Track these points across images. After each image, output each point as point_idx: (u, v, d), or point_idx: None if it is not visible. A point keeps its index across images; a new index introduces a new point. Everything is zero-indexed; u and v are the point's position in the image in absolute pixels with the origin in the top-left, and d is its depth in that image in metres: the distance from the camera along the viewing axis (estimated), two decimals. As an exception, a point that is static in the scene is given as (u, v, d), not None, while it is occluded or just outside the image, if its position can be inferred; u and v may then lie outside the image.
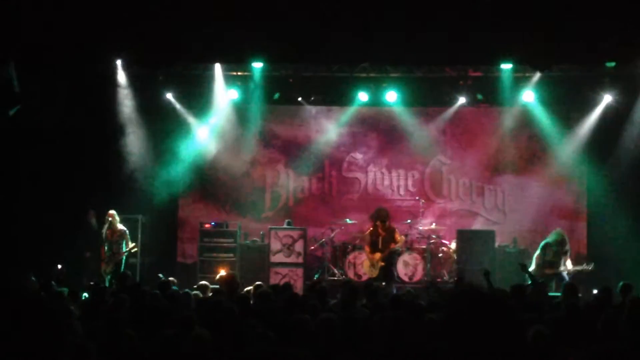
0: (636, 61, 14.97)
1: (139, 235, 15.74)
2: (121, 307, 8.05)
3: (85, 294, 11.08)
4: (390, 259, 14.26)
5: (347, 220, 16.25)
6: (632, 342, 6.35)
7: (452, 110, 17.16)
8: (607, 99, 16.15)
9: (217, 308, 7.37)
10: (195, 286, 11.56)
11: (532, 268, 13.21)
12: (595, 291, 13.41)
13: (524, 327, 6.12)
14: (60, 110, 14.72)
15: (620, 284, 10.41)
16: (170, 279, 12.07)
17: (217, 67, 16.33)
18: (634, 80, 15.59)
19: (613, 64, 15.12)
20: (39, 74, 14.16)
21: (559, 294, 11.05)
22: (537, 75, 15.87)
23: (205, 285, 11.32)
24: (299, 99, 17.15)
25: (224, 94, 16.87)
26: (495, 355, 2.67)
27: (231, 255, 16.01)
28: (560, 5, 12.32)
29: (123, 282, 11.13)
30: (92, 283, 12.83)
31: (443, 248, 16.27)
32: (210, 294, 10.70)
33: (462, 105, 17.00)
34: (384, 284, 13.34)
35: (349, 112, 17.47)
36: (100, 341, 5.90)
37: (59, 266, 13.98)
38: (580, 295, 12.80)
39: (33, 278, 11.39)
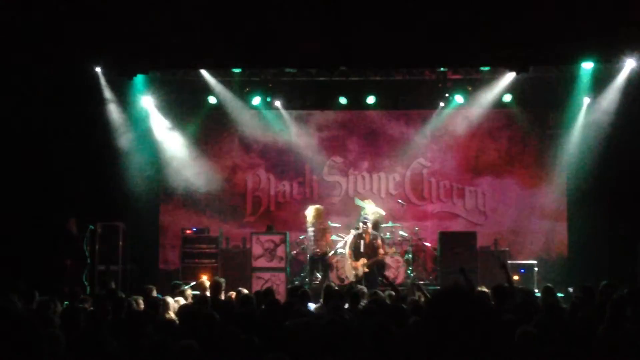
0: (613, 62, 15.08)
1: (120, 243, 15.65)
2: (102, 314, 7.99)
3: (66, 302, 10.99)
4: (375, 265, 14.24)
5: (329, 223, 16.21)
6: (613, 341, 6.39)
7: (431, 112, 17.23)
8: (586, 99, 16.26)
9: (198, 315, 7.33)
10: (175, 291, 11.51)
11: None
12: (571, 289, 13.54)
13: (507, 327, 6.14)
14: (40, 117, 14.63)
15: (603, 283, 10.46)
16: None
17: (201, 73, 16.23)
18: (611, 81, 15.68)
19: (590, 64, 15.21)
20: (18, 82, 14.05)
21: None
22: (515, 77, 15.92)
23: (185, 291, 11.28)
24: (279, 103, 17.13)
25: (204, 99, 16.83)
26: (477, 356, 2.66)
27: (213, 261, 15.92)
28: (536, 7, 12.37)
29: (104, 289, 11.10)
30: (73, 291, 12.72)
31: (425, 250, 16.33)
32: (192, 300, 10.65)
33: (442, 108, 17.07)
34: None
35: (329, 115, 17.49)
36: (80, 350, 5.84)
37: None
38: (562, 295, 12.95)
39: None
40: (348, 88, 16.80)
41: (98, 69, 15.48)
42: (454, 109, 17.12)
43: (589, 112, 16.35)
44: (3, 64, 13.48)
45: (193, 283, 12.86)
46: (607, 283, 10.33)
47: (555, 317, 7.25)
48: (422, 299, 10.11)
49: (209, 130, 17.42)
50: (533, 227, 16.92)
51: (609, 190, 15.59)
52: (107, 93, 15.98)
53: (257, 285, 14.69)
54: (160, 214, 17.43)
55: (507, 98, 16.53)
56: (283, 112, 17.37)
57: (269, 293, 10.46)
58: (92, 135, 15.83)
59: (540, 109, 17.00)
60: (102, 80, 15.82)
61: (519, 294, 9.98)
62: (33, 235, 14.69)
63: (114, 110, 16.21)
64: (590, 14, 12.39)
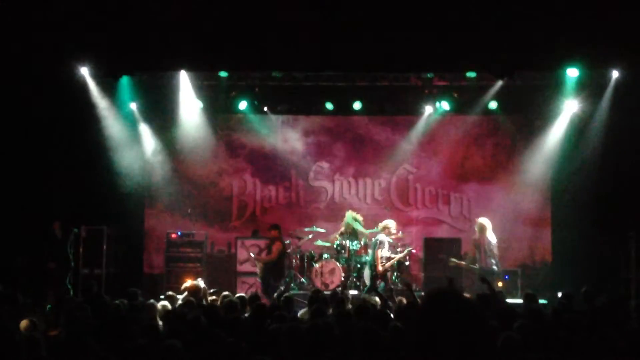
0: (598, 69, 15.18)
1: (104, 246, 15.60)
2: (84, 318, 7.97)
3: (49, 306, 10.96)
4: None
5: (315, 228, 16.17)
6: (593, 347, 6.43)
7: (417, 118, 17.27)
8: (571, 106, 16.32)
9: (184, 318, 7.32)
10: (162, 297, 11.48)
11: None
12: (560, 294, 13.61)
13: (494, 333, 6.17)
14: (24, 119, 14.57)
15: (583, 289, 10.53)
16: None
17: (183, 76, 16.17)
18: (596, 87, 15.77)
19: (575, 71, 15.29)
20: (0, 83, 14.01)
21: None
22: (501, 84, 15.96)
23: (173, 295, 11.24)
24: (265, 108, 17.14)
25: (190, 103, 16.79)
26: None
27: (198, 265, 15.90)
28: (520, 13, 12.45)
29: (87, 292, 11.05)
30: (57, 294, 12.68)
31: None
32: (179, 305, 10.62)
33: (428, 114, 17.11)
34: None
35: (315, 121, 17.50)
36: (63, 354, 5.83)
37: None
38: (546, 301, 13.01)
39: None
40: (334, 93, 16.83)
41: (85, 70, 15.40)
42: (440, 115, 17.16)
43: (573, 119, 16.43)
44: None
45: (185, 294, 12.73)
46: (587, 289, 10.41)
47: (536, 323, 7.28)
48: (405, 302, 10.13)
49: (195, 134, 17.36)
50: (517, 233, 16.94)
51: (593, 196, 15.66)
52: (93, 95, 15.90)
53: (242, 290, 14.69)
54: (145, 217, 17.36)
55: (493, 105, 16.60)
56: (269, 116, 17.38)
57: (254, 298, 10.47)
58: (77, 138, 15.75)
59: (526, 115, 17.08)
60: (88, 82, 15.74)
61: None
62: (17, 238, 14.62)
63: (99, 113, 16.13)
64: (575, 21, 12.48)
